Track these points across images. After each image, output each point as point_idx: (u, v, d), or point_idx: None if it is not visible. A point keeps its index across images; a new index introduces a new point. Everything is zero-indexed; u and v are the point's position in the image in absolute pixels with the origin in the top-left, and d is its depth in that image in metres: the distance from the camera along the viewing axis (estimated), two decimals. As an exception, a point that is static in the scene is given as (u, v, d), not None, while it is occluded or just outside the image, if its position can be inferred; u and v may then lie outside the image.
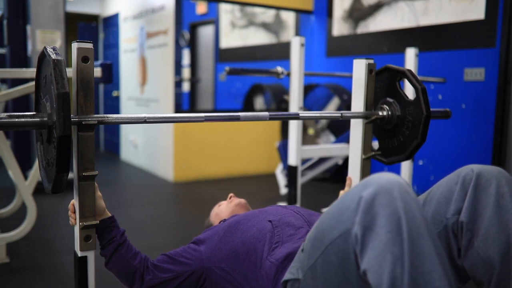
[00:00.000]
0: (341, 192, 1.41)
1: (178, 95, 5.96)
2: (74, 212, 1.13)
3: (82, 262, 1.12)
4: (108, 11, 6.12)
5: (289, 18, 5.35)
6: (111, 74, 2.31)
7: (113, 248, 1.24)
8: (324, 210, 2.33)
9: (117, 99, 5.85)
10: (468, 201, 1.05)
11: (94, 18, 6.56)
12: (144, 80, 4.97)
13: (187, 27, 6.91)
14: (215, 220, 1.60)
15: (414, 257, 0.80)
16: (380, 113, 1.43)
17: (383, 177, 0.86)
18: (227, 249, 1.29)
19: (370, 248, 0.82)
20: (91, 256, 1.13)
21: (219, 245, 1.32)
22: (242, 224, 1.33)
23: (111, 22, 6.01)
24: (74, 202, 1.13)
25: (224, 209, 1.59)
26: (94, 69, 1.08)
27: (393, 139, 1.44)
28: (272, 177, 4.35)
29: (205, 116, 1.20)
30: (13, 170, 2.27)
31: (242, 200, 1.62)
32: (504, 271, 1.00)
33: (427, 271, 0.80)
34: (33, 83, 1.56)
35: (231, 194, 1.65)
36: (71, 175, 1.71)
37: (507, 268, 0.99)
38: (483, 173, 1.06)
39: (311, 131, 4.37)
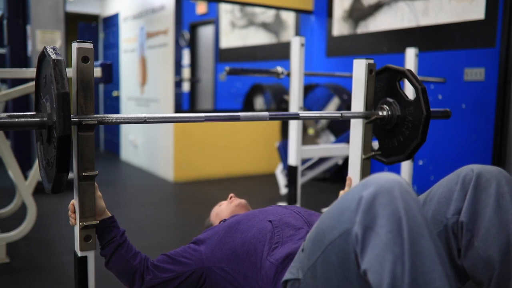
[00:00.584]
0: (341, 192, 1.41)
1: (178, 95, 5.96)
2: (74, 212, 1.13)
3: (82, 262, 1.12)
4: (108, 11, 6.12)
5: (289, 18, 5.35)
6: (111, 74, 2.31)
7: (113, 248, 1.24)
8: (324, 210, 2.33)
9: (117, 99, 5.85)
10: (468, 201, 1.05)
11: (94, 18, 6.56)
12: (144, 80, 4.97)
13: (187, 27, 6.91)
14: (215, 220, 1.60)
15: (414, 257, 0.80)
16: (380, 113, 1.43)
17: (383, 177, 0.86)
18: (227, 249, 1.29)
19: (371, 247, 0.82)
20: (91, 256, 1.13)
21: (219, 245, 1.32)
22: (242, 224, 1.33)
23: (111, 22, 6.01)
24: (74, 202, 1.13)
25: (225, 209, 1.59)
26: (94, 69, 1.08)
27: (393, 139, 1.44)
28: (272, 177, 4.34)
29: (205, 116, 1.20)
30: (13, 170, 2.27)
31: (243, 201, 1.62)
32: (504, 271, 1.00)
33: (427, 271, 0.80)
34: (33, 83, 1.56)
35: (231, 194, 1.65)
36: (71, 175, 1.71)
37: (507, 268, 0.99)
38: (483, 173, 1.06)
39: (311, 131, 4.37)
